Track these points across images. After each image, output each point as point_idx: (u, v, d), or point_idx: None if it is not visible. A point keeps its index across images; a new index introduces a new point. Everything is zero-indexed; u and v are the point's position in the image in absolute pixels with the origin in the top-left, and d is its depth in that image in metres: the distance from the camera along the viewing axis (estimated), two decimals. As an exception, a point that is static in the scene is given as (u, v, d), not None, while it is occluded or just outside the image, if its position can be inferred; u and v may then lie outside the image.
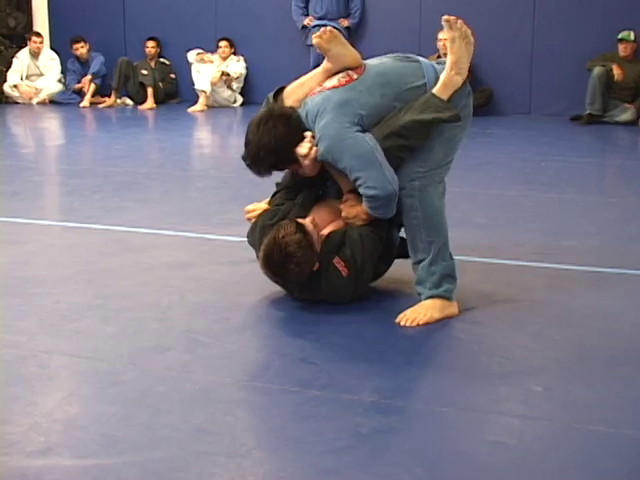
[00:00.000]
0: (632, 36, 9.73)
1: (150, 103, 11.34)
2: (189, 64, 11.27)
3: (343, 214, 3.62)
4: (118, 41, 12.16)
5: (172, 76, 11.84)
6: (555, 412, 2.71)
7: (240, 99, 11.48)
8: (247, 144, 3.53)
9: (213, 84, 11.13)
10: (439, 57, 10.02)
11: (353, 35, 10.91)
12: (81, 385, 2.93)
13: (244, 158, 3.57)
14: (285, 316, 3.54)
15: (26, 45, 11.95)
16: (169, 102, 11.78)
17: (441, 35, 10.11)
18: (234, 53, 11.44)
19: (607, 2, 10.04)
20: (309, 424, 2.61)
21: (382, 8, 10.85)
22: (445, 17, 3.47)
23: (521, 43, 10.44)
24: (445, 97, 3.44)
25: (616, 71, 9.60)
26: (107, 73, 11.72)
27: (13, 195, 5.91)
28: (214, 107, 11.16)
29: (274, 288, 3.73)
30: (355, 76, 3.51)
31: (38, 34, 12.00)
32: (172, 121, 10.38)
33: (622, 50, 9.75)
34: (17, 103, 11.84)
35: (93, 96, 11.67)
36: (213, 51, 11.36)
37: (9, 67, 11.89)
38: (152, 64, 11.64)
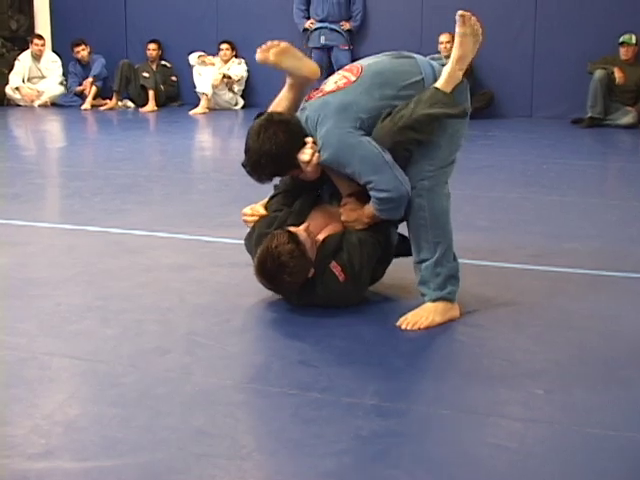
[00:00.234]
0: (633, 39, 9.73)
1: (151, 106, 11.35)
2: (190, 67, 11.28)
3: (343, 218, 3.60)
4: (120, 43, 12.17)
5: (173, 79, 11.85)
6: (556, 415, 2.70)
7: (241, 102, 11.49)
8: (247, 151, 3.50)
9: (214, 87, 11.13)
10: (440, 59, 10.04)
11: (355, 38, 10.92)
12: (81, 387, 2.92)
13: (244, 165, 3.54)
14: (284, 318, 3.54)
15: (28, 47, 11.96)
16: (170, 105, 11.79)
17: (442, 38, 10.13)
18: (235, 56, 11.44)
19: (608, 5, 10.05)
20: (309, 427, 2.60)
21: (383, 10, 10.86)
22: (460, 12, 3.42)
23: (522, 46, 10.45)
24: (448, 91, 3.41)
25: (617, 74, 9.61)
26: (108, 76, 11.74)
27: (14, 197, 5.91)
28: (215, 110, 11.18)
29: (274, 291, 3.74)
30: (353, 78, 3.47)
31: (40, 36, 12.01)
32: (173, 124, 10.38)
33: (623, 53, 9.75)
34: (19, 105, 11.85)
35: (94, 99, 11.68)
36: (214, 54, 11.37)
37: (11, 69, 11.90)
38: (153, 67, 11.65)
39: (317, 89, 3.58)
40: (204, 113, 11.00)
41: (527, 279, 4.08)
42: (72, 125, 10.56)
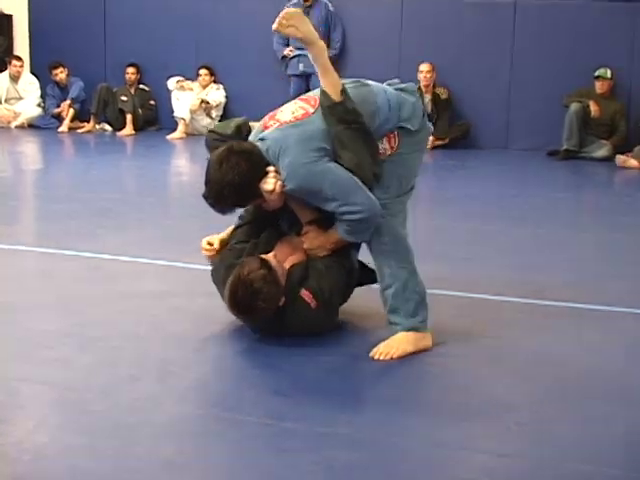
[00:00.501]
0: (609, 73, 9.83)
1: (129, 129, 11.33)
2: (169, 91, 11.27)
3: (306, 245, 3.59)
4: (98, 67, 12.14)
5: (152, 103, 11.84)
6: (529, 449, 2.69)
7: (219, 127, 11.46)
8: (208, 182, 3.43)
9: (192, 112, 11.13)
10: (419, 87, 10.08)
11: (333, 66, 10.94)
12: (51, 414, 2.89)
13: (206, 196, 3.46)
14: (259, 347, 3.52)
15: (6, 69, 11.92)
16: (148, 129, 11.76)
17: (422, 67, 10.21)
18: (214, 81, 11.45)
19: (584, 39, 10.15)
20: (282, 457, 2.58)
21: (362, 39, 10.91)
22: (273, 28, 3.42)
23: (499, 78, 10.52)
24: (338, 93, 3.39)
25: (593, 107, 9.69)
26: (86, 98, 11.71)
27: (-12, 219, 5.87)
28: (193, 135, 11.16)
29: (249, 319, 3.71)
30: (311, 110, 3.45)
31: (18, 58, 11.98)
32: (150, 148, 10.37)
33: (599, 87, 9.85)
34: (-5, 126, 11.80)
35: (72, 121, 11.64)
36: (193, 79, 11.38)
37: (-12, 91, 11.85)
38: (132, 90, 11.64)
39: (272, 117, 3.55)
40: (181, 138, 10.99)
41: (502, 311, 4.08)
42: (49, 147, 10.52)
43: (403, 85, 3.66)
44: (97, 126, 11.61)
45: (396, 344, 3.46)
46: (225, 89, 11.39)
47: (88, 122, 11.59)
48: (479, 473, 2.53)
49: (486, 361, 3.44)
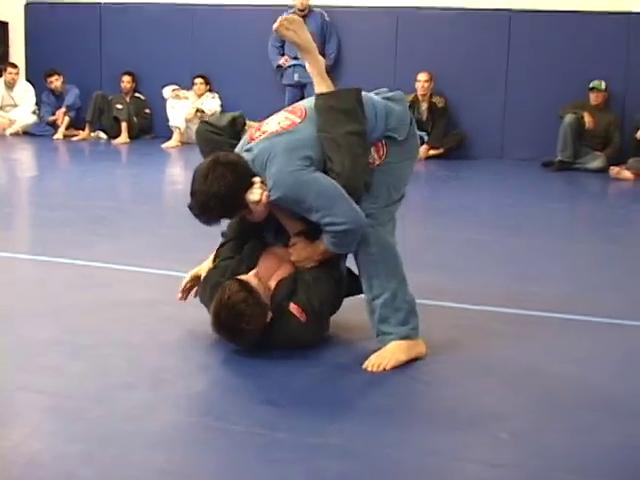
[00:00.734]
0: (603, 85, 9.87)
1: (124, 137, 11.34)
2: (164, 100, 11.29)
3: (293, 257, 3.57)
4: (94, 75, 12.16)
5: (147, 111, 11.85)
6: (521, 459, 2.70)
7: (214, 136, 11.47)
8: (194, 194, 3.42)
9: (187, 120, 11.15)
10: (415, 96, 10.14)
11: (328, 75, 10.96)
12: (45, 422, 2.89)
13: (191, 207, 3.45)
14: (251, 357, 3.51)
15: (1, 76, 11.93)
16: (143, 137, 11.78)
17: (420, 76, 10.23)
18: (209, 90, 11.48)
19: (579, 52, 10.19)
20: (274, 468, 2.59)
21: (357, 49, 10.94)
22: (274, 27, 3.54)
23: (495, 88, 10.56)
24: (329, 88, 3.51)
25: (587, 119, 9.73)
26: (81, 106, 11.72)
27: (-18, 227, 5.87)
28: (188, 143, 11.16)
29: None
30: (298, 120, 3.46)
31: (14, 65, 11.99)
32: (145, 156, 10.37)
33: (593, 99, 9.88)
34: (-10, 134, 11.80)
35: (67, 129, 11.65)
36: (188, 87, 11.39)
37: (-17, 97, 11.86)
38: (127, 99, 11.65)
39: (258, 128, 3.55)
40: (176, 147, 11.01)
41: (495, 322, 4.09)
42: (44, 155, 10.52)
43: (390, 94, 3.66)
44: (92, 134, 11.61)
45: (389, 354, 3.45)
46: (220, 98, 11.41)
47: (83, 130, 11.60)
48: (471, 483, 2.54)
49: (477, 371, 3.45)
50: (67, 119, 11.67)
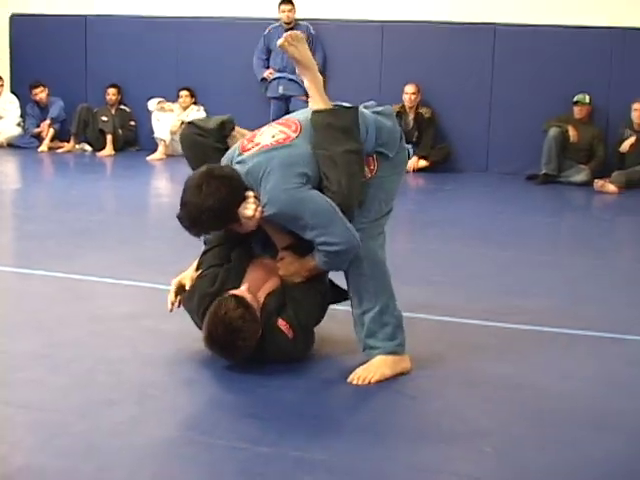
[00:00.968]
0: (587, 99, 9.91)
1: (109, 150, 11.30)
2: (149, 112, 11.27)
3: (281, 272, 3.56)
4: (79, 87, 12.12)
5: (132, 123, 11.82)
6: (506, 473, 2.70)
7: (199, 148, 11.44)
8: (185, 205, 3.37)
9: (173, 133, 11.12)
10: (402, 107, 10.15)
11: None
12: (26, 437, 2.87)
13: (180, 219, 3.41)
14: (235, 371, 3.50)
15: (-14, 88, 11.88)
16: (128, 149, 11.73)
17: (408, 88, 10.24)
18: (195, 103, 11.46)
19: (563, 65, 10.22)
20: (257, 482, 2.58)
21: (343, 62, 10.94)
22: (279, 43, 3.54)
23: (479, 102, 10.57)
24: (326, 105, 3.50)
25: (571, 132, 9.76)
26: (66, 118, 11.68)
27: (-35, 239, 5.84)
28: (173, 156, 11.13)
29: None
30: (293, 135, 3.44)
31: (-2, 77, 11.95)
32: (130, 169, 10.34)
33: (577, 112, 9.92)
34: (-26, 145, 11.75)
35: (52, 141, 11.60)
36: (174, 100, 11.38)
37: (-33, 109, 11.81)
38: (112, 111, 11.62)
39: (251, 140, 3.52)
40: (161, 159, 10.98)
41: (480, 335, 4.09)
42: (28, 167, 10.48)
43: (380, 108, 3.66)
44: (77, 146, 11.57)
45: (374, 368, 3.45)
46: (205, 110, 11.39)
47: (68, 142, 11.55)
48: (455, 498, 2.53)
49: (462, 385, 3.45)
50: (52, 131, 11.62)
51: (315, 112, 3.51)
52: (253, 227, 3.48)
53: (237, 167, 3.45)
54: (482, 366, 3.66)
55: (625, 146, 9.61)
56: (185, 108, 11.36)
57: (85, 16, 12.02)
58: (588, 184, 9.49)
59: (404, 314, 3.58)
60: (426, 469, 2.71)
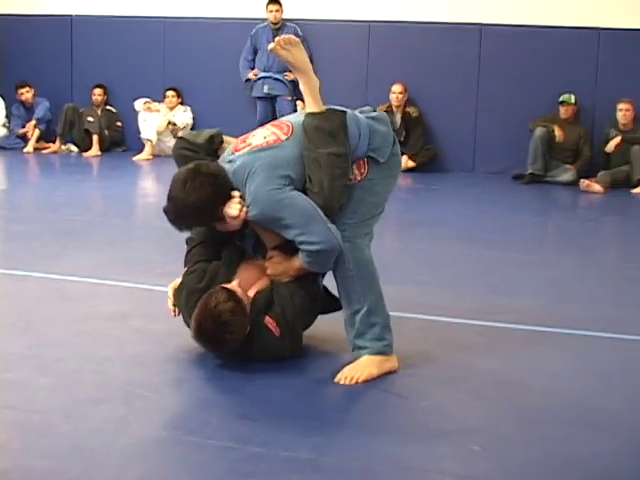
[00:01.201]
0: (573, 99, 9.94)
1: (95, 150, 11.27)
2: (136, 112, 11.24)
3: (269, 271, 3.58)
4: (65, 87, 12.09)
5: (118, 124, 11.80)
6: (493, 471, 2.71)
7: (186, 149, 11.42)
8: (171, 199, 3.42)
9: (159, 133, 11.11)
10: (389, 106, 10.16)
11: (299, 89, 10.98)
12: (12, 438, 2.86)
13: (166, 212, 3.45)
14: (224, 370, 3.50)
15: (-29, 88, 11.84)
16: (114, 150, 11.71)
17: (395, 88, 10.25)
18: (181, 103, 11.44)
19: (549, 65, 10.25)
20: (246, 481, 2.57)
21: (329, 61, 10.91)
22: (269, 47, 3.56)
23: (466, 103, 10.59)
24: (320, 108, 3.52)
25: (557, 132, 9.79)
26: (52, 119, 11.64)
27: (-49, 240, 5.81)
28: (160, 156, 11.12)
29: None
30: (283, 137, 3.47)
31: (-17, 78, 11.90)
32: (117, 169, 10.32)
33: (563, 112, 9.95)
34: (-40, 146, 11.69)
35: (38, 141, 11.57)
36: (160, 100, 11.36)
37: (-47, 110, 11.75)
38: (98, 111, 11.59)
39: (244, 140, 3.55)
40: (148, 159, 10.96)
41: (466, 334, 4.10)
42: (13, 167, 10.44)
43: (375, 114, 3.68)
44: (63, 147, 11.54)
45: (361, 368, 3.46)
46: (192, 111, 11.38)
47: (54, 142, 11.52)
48: (443, 496, 2.53)
49: (449, 383, 3.45)
50: (37, 132, 11.58)
51: (307, 115, 3.53)
52: (237, 226, 3.50)
53: (226, 166, 3.48)
54: (469, 364, 3.67)
55: (611, 146, 9.64)
56: (172, 108, 11.34)
57: (71, 16, 11.99)
58: (574, 184, 9.52)
59: (391, 313, 3.59)
60: (414, 467, 2.72)
